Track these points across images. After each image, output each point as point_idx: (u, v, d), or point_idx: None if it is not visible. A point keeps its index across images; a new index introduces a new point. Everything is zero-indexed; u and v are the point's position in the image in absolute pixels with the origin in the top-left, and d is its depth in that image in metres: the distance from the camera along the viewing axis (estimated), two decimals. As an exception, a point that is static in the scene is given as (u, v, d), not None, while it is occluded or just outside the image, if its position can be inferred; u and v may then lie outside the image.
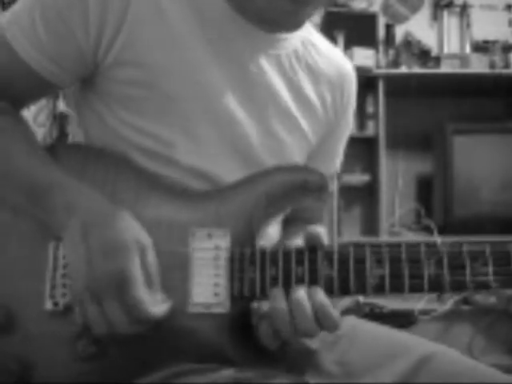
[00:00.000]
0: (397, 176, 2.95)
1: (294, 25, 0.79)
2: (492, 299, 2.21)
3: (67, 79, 0.75)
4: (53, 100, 2.55)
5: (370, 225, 2.89)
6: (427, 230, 2.71)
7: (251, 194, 0.69)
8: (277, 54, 0.79)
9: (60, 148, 0.78)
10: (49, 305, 0.67)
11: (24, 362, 0.66)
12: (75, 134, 0.82)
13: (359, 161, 2.91)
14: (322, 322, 0.63)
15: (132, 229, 0.64)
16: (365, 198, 2.91)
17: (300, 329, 0.62)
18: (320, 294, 0.63)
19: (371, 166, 2.82)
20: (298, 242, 0.70)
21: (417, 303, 2.45)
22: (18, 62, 0.72)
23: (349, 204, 2.93)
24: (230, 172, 0.76)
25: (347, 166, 2.82)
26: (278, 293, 0.64)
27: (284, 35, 0.80)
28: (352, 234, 2.89)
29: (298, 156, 0.84)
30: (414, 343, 0.78)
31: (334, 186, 1.01)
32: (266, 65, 0.78)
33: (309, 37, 0.85)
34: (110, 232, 0.63)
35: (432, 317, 2.51)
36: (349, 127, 0.94)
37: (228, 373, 0.61)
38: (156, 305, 0.62)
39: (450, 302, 2.47)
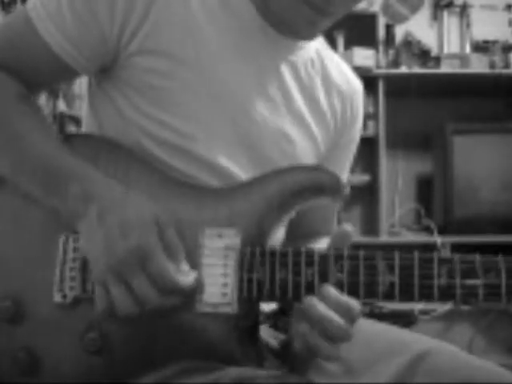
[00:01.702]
0: (397, 176, 2.95)
1: (311, 34, 0.80)
2: (492, 299, 2.21)
3: (87, 65, 0.75)
4: (53, 100, 2.55)
5: (370, 225, 2.89)
6: (427, 229, 2.71)
7: (263, 194, 0.69)
8: (294, 60, 0.80)
9: (73, 138, 0.78)
10: (57, 297, 0.67)
11: (32, 352, 0.66)
12: (88, 126, 0.82)
13: (359, 161, 2.91)
14: (346, 314, 0.62)
15: (148, 207, 0.64)
16: (365, 197, 2.91)
17: (331, 334, 0.62)
18: (332, 293, 0.63)
19: (371, 166, 2.82)
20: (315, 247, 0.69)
21: (417, 303, 2.45)
22: (41, 43, 0.72)
23: (349, 204, 2.93)
24: (243, 169, 0.77)
25: (347, 166, 2.83)
26: (314, 301, 0.63)
27: (302, 43, 0.81)
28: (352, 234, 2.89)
29: (308, 160, 0.84)
30: (412, 339, 0.78)
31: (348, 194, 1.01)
32: (284, 69, 0.79)
33: (322, 48, 0.87)
34: (125, 213, 0.63)
35: (432, 317, 2.51)
36: (355, 143, 0.94)
37: (233, 372, 0.61)
38: (182, 274, 0.62)
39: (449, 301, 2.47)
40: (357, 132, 0.93)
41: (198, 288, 0.65)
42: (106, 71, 0.77)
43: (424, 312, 2.50)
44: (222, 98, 0.75)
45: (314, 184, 0.69)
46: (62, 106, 2.53)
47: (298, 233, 0.88)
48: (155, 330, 0.65)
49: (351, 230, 0.65)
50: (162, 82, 0.73)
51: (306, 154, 0.83)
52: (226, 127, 0.75)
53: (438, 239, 2.56)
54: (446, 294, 0.61)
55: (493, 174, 2.68)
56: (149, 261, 0.60)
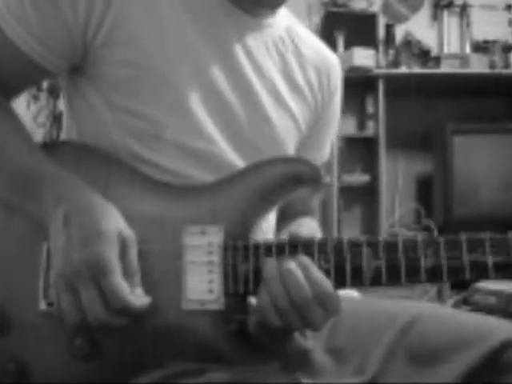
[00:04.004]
0: (397, 176, 2.95)
1: (274, 3, 0.79)
2: (492, 299, 2.20)
3: (56, 62, 0.74)
4: (53, 100, 2.55)
5: (370, 225, 2.89)
6: (427, 230, 2.71)
7: (244, 189, 0.69)
8: (263, 38, 0.80)
9: (53, 145, 0.77)
10: (43, 305, 0.66)
11: (21, 362, 0.66)
12: (68, 127, 0.82)
13: (359, 161, 2.91)
14: (314, 286, 0.62)
15: (115, 221, 0.64)
16: (365, 198, 2.91)
17: (295, 298, 0.61)
18: (305, 260, 0.62)
19: (371, 166, 2.82)
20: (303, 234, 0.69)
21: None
22: (7, 42, 0.71)
23: (349, 204, 2.93)
24: (223, 150, 0.76)
25: (347, 166, 2.84)
26: (271, 262, 0.63)
27: (269, 21, 0.81)
28: (352, 234, 2.89)
29: (289, 139, 0.84)
30: (398, 310, 0.78)
31: (328, 181, 1.00)
32: (253, 46, 0.79)
33: (293, 26, 0.86)
34: (90, 220, 0.63)
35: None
36: (336, 117, 0.94)
37: (219, 374, 0.61)
38: (135, 297, 0.62)
39: (449, 301, 2.47)
40: (336, 106, 0.93)
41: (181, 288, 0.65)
42: (79, 69, 0.77)
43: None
44: (194, 83, 0.75)
45: (294, 176, 0.69)
46: (62, 105, 2.53)
47: (282, 214, 0.88)
48: (143, 332, 0.64)
49: (314, 224, 0.63)
50: (132, 72, 0.73)
51: (285, 133, 0.83)
52: (200, 109, 0.75)
53: (437, 239, 2.56)
54: (434, 275, 0.62)
55: (493, 174, 2.68)
56: (103, 276, 0.60)
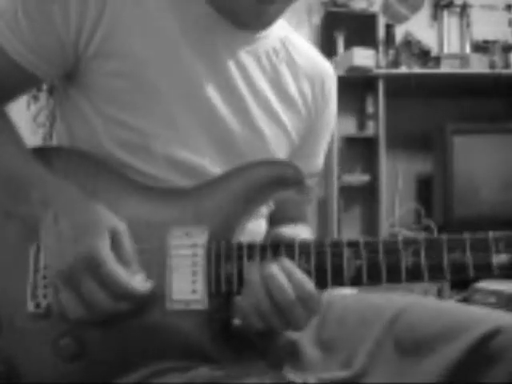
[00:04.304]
0: (397, 176, 2.95)
1: (262, 24, 0.79)
2: (492, 299, 2.20)
3: (48, 71, 0.75)
4: (53, 100, 2.55)
5: (370, 225, 2.89)
6: (427, 229, 2.71)
7: (228, 191, 0.70)
8: (255, 51, 0.80)
9: (42, 151, 0.78)
10: (31, 306, 0.67)
11: (10, 363, 0.67)
12: (60, 133, 0.83)
13: (359, 161, 2.91)
14: (297, 288, 0.62)
15: (103, 215, 0.65)
16: (365, 197, 2.91)
17: (278, 301, 0.62)
18: (287, 263, 0.63)
19: (371, 166, 2.83)
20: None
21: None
22: (1, 52, 0.73)
23: (349, 204, 2.93)
24: (212, 163, 0.77)
25: (347, 166, 2.84)
26: (253, 266, 0.64)
27: (262, 33, 0.81)
28: (352, 234, 2.90)
29: (280, 151, 0.84)
30: (386, 303, 0.79)
31: (314, 185, 1.00)
32: (245, 60, 0.79)
33: (288, 36, 0.86)
34: (78, 218, 0.64)
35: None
36: (330, 126, 0.94)
37: (203, 371, 0.61)
38: (137, 280, 0.63)
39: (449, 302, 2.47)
40: (331, 116, 0.93)
41: (165, 290, 0.65)
42: (70, 78, 0.78)
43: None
44: (184, 95, 0.75)
45: (277, 178, 0.70)
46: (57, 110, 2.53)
47: (274, 220, 0.89)
48: (128, 331, 0.65)
49: (306, 229, 0.65)
50: (122, 83, 0.73)
51: (277, 146, 0.83)
52: (190, 122, 0.76)
53: (438, 239, 2.56)
54: (414, 274, 0.62)
55: (493, 174, 2.68)
56: (99, 267, 0.61)
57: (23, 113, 2.43)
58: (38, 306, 0.67)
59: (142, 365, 0.65)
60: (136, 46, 0.73)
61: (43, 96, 2.55)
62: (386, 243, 0.63)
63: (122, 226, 0.65)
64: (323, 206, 2.83)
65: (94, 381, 0.65)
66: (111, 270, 0.61)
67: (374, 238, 0.64)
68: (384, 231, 2.71)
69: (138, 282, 0.63)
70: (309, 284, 0.63)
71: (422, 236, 0.64)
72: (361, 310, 0.79)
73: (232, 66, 0.78)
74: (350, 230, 2.91)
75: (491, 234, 0.62)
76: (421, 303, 0.78)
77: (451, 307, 0.78)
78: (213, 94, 0.76)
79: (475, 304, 2.40)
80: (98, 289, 0.61)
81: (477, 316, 0.73)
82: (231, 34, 0.78)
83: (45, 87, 2.50)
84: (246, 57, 0.79)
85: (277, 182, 0.70)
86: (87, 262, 0.61)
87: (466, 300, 2.49)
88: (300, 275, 0.63)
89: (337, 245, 0.64)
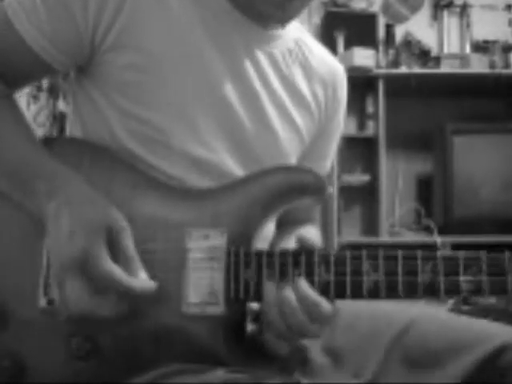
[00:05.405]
0: (397, 176, 2.95)
1: (283, 18, 0.79)
2: (492, 299, 2.20)
3: (63, 61, 0.75)
4: (53, 100, 2.55)
5: (370, 225, 2.89)
6: (427, 229, 2.71)
7: (248, 195, 0.69)
8: (271, 50, 0.80)
9: (57, 142, 0.78)
10: (43, 302, 0.66)
11: (17, 359, 0.66)
12: (73, 125, 0.82)
13: (359, 161, 2.91)
14: (311, 311, 0.62)
15: (103, 211, 0.64)
16: (365, 198, 2.91)
17: (290, 323, 0.62)
18: (303, 286, 0.63)
19: (371, 166, 2.82)
20: (293, 243, 0.70)
21: (416, 303, 2.45)
22: (18, 40, 0.72)
23: (349, 204, 2.93)
24: (225, 160, 0.77)
25: (347, 166, 2.84)
26: (270, 288, 0.64)
27: (278, 33, 0.81)
28: (352, 234, 2.90)
29: (292, 151, 0.84)
30: (397, 313, 0.79)
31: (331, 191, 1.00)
32: (261, 59, 0.79)
33: (302, 37, 0.86)
34: (78, 213, 0.63)
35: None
36: (339, 129, 0.94)
37: (219, 374, 0.61)
38: (138, 280, 0.62)
39: (450, 302, 2.47)
40: (341, 118, 0.93)
41: (182, 292, 0.65)
42: (84, 69, 0.77)
43: (424, 312, 2.50)
44: (199, 91, 0.75)
45: (297, 185, 0.69)
46: (61, 105, 2.53)
47: (282, 221, 0.88)
48: (142, 332, 0.64)
49: (316, 232, 0.64)
50: (138, 77, 0.73)
51: (289, 145, 0.83)
52: (205, 118, 0.75)
53: (437, 239, 2.56)
54: (430, 290, 0.62)
55: (493, 174, 2.68)
56: (90, 265, 0.60)
57: (23, 113, 2.43)
58: (50, 302, 0.66)
59: (154, 366, 0.64)
60: (153, 41, 0.73)
61: (43, 96, 2.54)
62: (405, 258, 0.63)
63: (122, 223, 0.64)
64: (323, 206, 2.83)
65: (104, 380, 0.65)
66: (103, 270, 0.60)
67: (392, 252, 0.63)
68: (384, 231, 2.70)
69: (138, 281, 0.62)
70: (321, 305, 0.62)
71: (439, 253, 0.64)
72: (371, 318, 0.79)
73: (248, 64, 0.78)
74: (350, 230, 2.91)
75: (507, 253, 0.62)
76: (431, 315, 0.78)
77: (462, 321, 0.77)
78: (229, 91, 0.76)
79: (475, 304, 2.41)
80: (81, 288, 0.60)
81: (488, 330, 0.73)
82: (249, 33, 0.78)
83: (45, 87, 2.50)
84: (261, 55, 0.79)
85: (298, 189, 0.69)
86: (79, 259, 0.60)
87: (466, 300, 2.49)
88: (313, 298, 0.62)
89: (357, 257, 0.64)
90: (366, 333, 0.77)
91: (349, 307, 0.81)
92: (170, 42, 0.73)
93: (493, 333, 0.71)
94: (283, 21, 0.80)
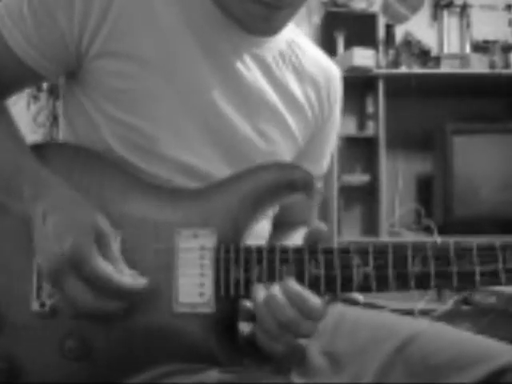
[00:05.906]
0: (397, 176, 2.95)
1: (269, 30, 0.79)
2: (492, 299, 2.21)
3: (50, 68, 0.75)
4: (53, 100, 2.55)
5: (370, 225, 2.89)
6: (427, 229, 2.71)
7: (237, 193, 0.69)
8: (261, 54, 0.80)
9: (48, 147, 0.78)
10: (35, 306, 0.67)
11: (12, 361, 0.66)
12: (64, 130, 0.83)
13: (359, 161, 2.91)
14: (301, 308, 0.62)
15: (89, 214, 0.65)
16: (365, 197, 2.91)
17: (280, 321, 0.62)
18: (291, 283, 0.62)
19: (371, 166, 2.82)
20: (290, 243, 0.70)
21: (417, 303, 2.45)
22: (6, 48, 0.73)
23: (349, 204, 2.93)
24: (215, 167, 0.77)
25: (347, 166, 2.84)
26: (258, 288, 0.64)
27: (266, 38, 0.80)
28: (352, 234, 2.90)
29: (285, 153, 0.84)
30: (400, 324, 0.78)
31: (322, 188, 1.00)
32: (251, 64, 0.79)
33: (295, 39, 0.86)
34: (65, 216, 0.64)
35: (432, 317, 2.51)
36: (335, 130, 0.94)
37: (213, 374, 0.61)
38: (128, 277, 0.63)
39: (450, 302, 2.47)
40: (336, 119, 0.93)
41: (173, 291, 0.65)
42: (74, 76, 0.78)
43: (424, 312, 2.50)
44: (188, 97, 0.75)
45: (287, 182, 0.69)
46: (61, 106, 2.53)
47: (278, 222, 0.88)
48: (134, 332, 0.65)
49: (325, 228, 0.64)
50: (126, 83, 0.73)
51: (283, 149, 0.83)
52: (193, 125, 0.75)
53: (437, 239, 2.56)
54: (422, 282, 0.62)
55: (493, 174, 2.68)
56: (83, 264, 0.60)
57: (23, 113, 2.43)
58: (42, 305, 0.67)
59: (149, 366, 0.64)
60: (140, 47, 0.73)
61: (43, 96, 2.54)
62: (395, 249, 0.63)
63: (107, 229, 0.64)
64: (323, 206, 2.83)
65: (98, 381, 0.65)
66: (95, 267, 0.61)
67: (383, 246, 0.63)
68: (384, 231, 2.70)
69: (129, 277, 0.63)
70: (310, 300, 0.62)
71: (429, 243, 0.63)
72: (374, 326, 0.79)
73: (239, 69, 0.78)
74: (350, 230, 2.91)
75: (498, 242, 0.62)
76: (437, 330, 0.77)
77: (467, 337, 0.77)
78: (218, 96, 0.76)
79: (475, 304, 2.41)
80: (82, 287, 0.61)
81: (492, 349, 0.72)
82: (238, 38, 0.78)
83: (45, 87, 2.50)
84: (252, 60, 0.79)
85: (286, 185, 0.69)
86: (70, 259, 0.60)
87: (466, 300, 2.49)
88: (300, 293, 0.62)
89: (346, 251, 0.63)
90: (366, 341, 0.77)
91: (353, 315, 0.81)
92: (158, 48, 0.73)
93: (498, 352, 0.71)
94: (270, 32, 0.79)
